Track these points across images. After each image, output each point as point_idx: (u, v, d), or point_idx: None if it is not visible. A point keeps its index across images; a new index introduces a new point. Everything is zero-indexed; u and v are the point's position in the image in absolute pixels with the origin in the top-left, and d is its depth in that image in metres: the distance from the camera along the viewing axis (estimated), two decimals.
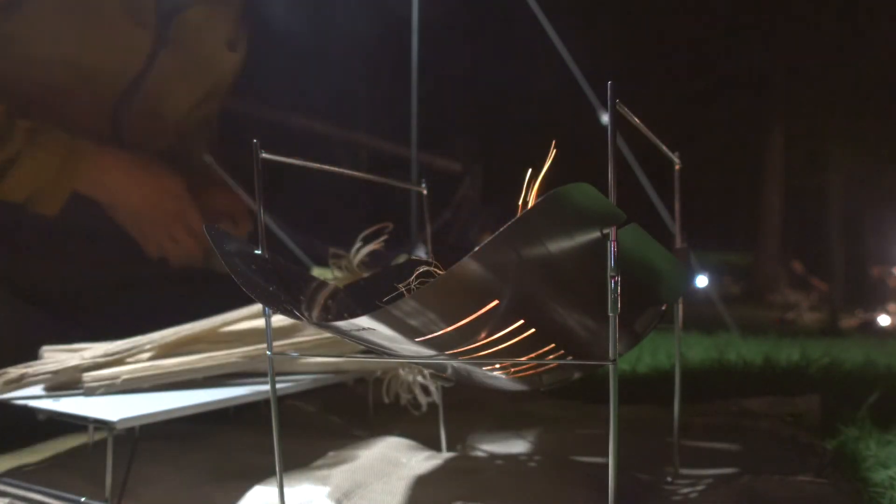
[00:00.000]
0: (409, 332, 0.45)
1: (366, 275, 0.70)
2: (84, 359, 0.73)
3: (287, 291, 0.55)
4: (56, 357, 0.75)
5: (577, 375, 0.62)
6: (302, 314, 0.52)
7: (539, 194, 0.45)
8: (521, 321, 0.46)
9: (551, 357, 0.50)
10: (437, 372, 0.64)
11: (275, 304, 0.50)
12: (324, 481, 0.63)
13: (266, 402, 0.76)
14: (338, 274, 0.81)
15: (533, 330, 0.47)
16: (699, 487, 0.63)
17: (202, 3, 1.08)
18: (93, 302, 0.97)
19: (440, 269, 0.57)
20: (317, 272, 1.13)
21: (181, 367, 0.76)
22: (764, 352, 1.53)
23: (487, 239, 0.39)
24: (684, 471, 0.68)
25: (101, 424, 0.60)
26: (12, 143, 0.88)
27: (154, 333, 0.79)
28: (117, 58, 1.00)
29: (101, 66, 0.96)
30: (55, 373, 0.71)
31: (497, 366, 0.53)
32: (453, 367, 0.58)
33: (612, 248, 0.41)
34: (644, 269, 0.49)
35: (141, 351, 0.77)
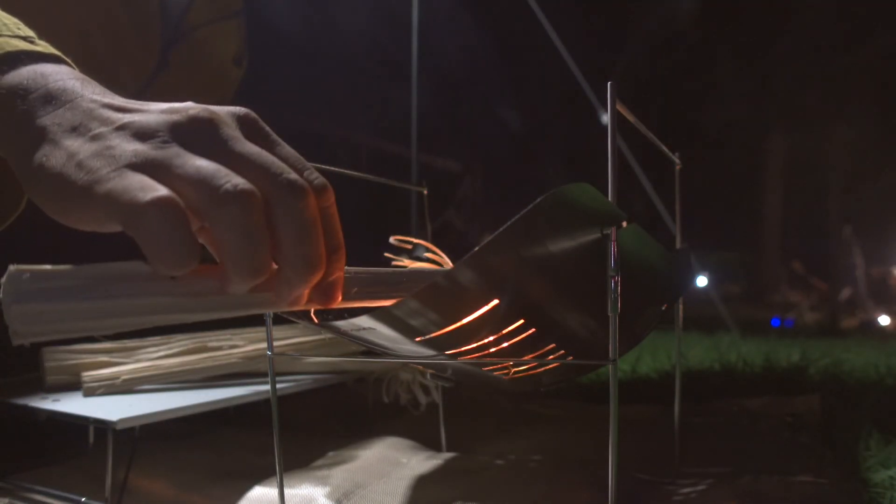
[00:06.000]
0: (410, 332, 0.45)
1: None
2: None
3: None
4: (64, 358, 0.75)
5: (577, 376, 0.62)
6: (302, 314, 0.52)
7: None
8: (522, 321, 0.46)
9: (551, 357, 0.50)
10: (438, 372, 0.64)
11: None
12: (324, 481, 0.63)
13: (266, 401, 0.76)
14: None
15: (533, 330, 0.47)
16: (699, 487, 0.63)
17: (209, 23, 1.07)
18: None
19: (439, 266, 0.57)
20: None
21: (181, 367, 0.76)
22: (764, 352, 1.54)
23: (488, 238, 0.39)
24: (685, 470, 0.68)
25: (101, 424, 0.60)
26: None
27: (157, 338, 0.79)
28: (120, 76, 0.99)
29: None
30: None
31: (497, 366, 0.53)
32: (453, 368, 0.58)
33: (612, 248, 0.41)
34: (644, 269, 0.49)
35: (144, 352, 0.77)
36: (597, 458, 0.73)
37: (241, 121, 0.35)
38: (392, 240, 0.62)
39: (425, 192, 0.75)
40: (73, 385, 0.74)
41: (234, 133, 0.33)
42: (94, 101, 0.34)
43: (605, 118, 0.42)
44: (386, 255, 0.62)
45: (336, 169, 0.63)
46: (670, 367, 1.31)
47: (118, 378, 0.72)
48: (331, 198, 0.36)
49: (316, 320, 0.44)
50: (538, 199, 0.37)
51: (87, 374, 0.72)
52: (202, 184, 0.30)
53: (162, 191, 0.29)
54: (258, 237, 0.30)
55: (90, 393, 0.71)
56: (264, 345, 0.73)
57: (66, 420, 0.63)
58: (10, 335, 0.28)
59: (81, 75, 0.37)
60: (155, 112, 0.33)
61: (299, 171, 0.35)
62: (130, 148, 0.31)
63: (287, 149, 0.36)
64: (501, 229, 0.38)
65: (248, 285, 0.31)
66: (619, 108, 0.44)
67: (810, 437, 0.81)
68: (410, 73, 1.95)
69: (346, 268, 0.37)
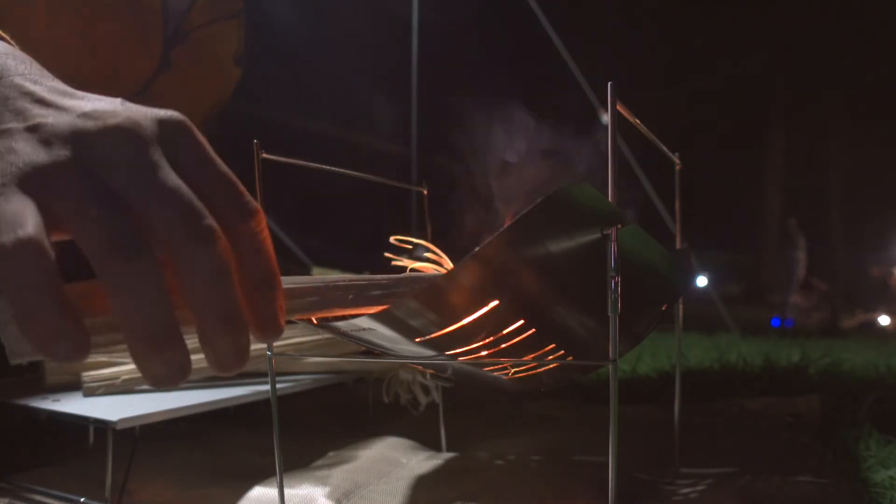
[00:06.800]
0: (410, 333, 0.45)
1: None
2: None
3: None
4: None
5: (577, 376, 0.62)
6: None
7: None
8: (522, 321, 0.46)
9: (551, 357, 0.50)
10: (438, 372, 0.64)
11: None
12: (324, 481, 0.63)
13: (266, 401, 0.76)
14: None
15: (533, 330, 0.47)
16: (699, 487, 0.63)
17: (210, 22, 1.07)
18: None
19: (440, 267, 0.57)
20: (317, 272, 1.13)
21: None
22: (764, 352, 1.54)
23: (488, 239, 0.39)
24: (685, 470, 0.68)
25: (101, 424, 0.60)
26: None
27: None
28: (121, 75, 0.99)
29: (105, 85, 0.95)
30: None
31: (497, 366, 0.53)
32: (453, 368, 0.58)
33: (612, 248, 0.41)
34: (644, 269, 0.49)
35: None
36: (597, 458, 0.73)
37: (169, 130, 0.30)
38: (392, 240, 0.62)
39: (425, 192, 0.75)
40: (73, 385, 0.74)
41: (151, 158, 0.28)
42: (16, 87, 0.30)
43: (606, 118, 0.42)
44: (386, 255, 0.62)
45: (336, 169, 0.63)
46: (670, 367, 1.31)
47: (118, 378, 0.72)
48: (259, 224, 0.31)
49: (315, 321, 0.44)
50: (538, 200, 0.37)
51: (87, 374, 0.72)
52: (90, 230, 0.26)
53: (26, 230, 0.24)
54: (150, 303, 0.26)
55: (90, 393, 0.71)
56: (264, 345, 0.73)
57: (66, 420, 0.63)
58: (7, 355, 0.27)
59: (18, 53, 0.33)
60: (73, 113, 0.29)
61: (224, 196, 0.30)
62: (31, 159, 0.27)
63: (215, 168, 0.31)
64: (501, 230, 0.38)
65: (154, 354, 0.27)
66: (619, 108, 0.44)
67: (810, 437, 0.81)
68: (411, 72, 1.96)
69: (342, 275, 0.37)
